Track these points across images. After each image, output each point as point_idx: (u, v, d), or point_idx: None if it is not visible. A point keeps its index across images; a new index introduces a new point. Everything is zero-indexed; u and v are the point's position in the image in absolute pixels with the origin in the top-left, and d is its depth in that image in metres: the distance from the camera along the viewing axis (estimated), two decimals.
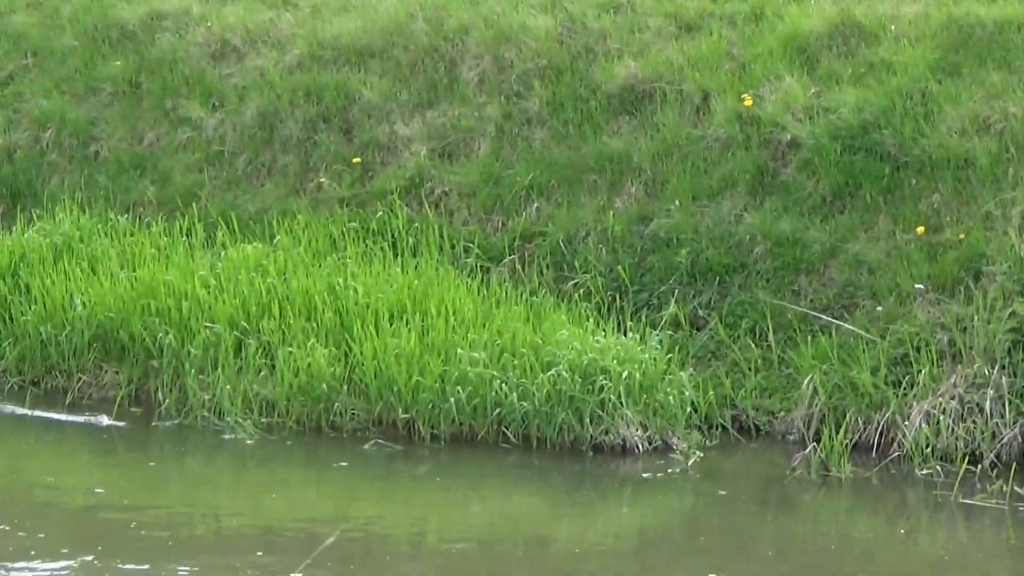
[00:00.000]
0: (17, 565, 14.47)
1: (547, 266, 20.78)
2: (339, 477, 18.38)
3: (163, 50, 24.52)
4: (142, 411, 19.76)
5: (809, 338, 19.26)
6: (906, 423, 18.16)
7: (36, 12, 25.69)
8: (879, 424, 18.38)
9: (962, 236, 19.51)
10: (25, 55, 25.30)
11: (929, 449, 17.83)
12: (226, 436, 18.97)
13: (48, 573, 14.44)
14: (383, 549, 15.87)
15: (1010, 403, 17.93)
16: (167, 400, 19.78)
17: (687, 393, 18.79)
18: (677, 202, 20.93)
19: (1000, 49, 20.70)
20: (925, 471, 17.70)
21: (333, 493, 17.99)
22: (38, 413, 19.56)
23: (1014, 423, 17.88)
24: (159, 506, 17.21)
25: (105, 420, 18.97)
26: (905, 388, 18.40)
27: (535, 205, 21.57)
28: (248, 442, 18.85)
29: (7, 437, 19.65)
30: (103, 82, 24.56)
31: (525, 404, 18.50)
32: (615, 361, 18.71)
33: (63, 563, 14.66)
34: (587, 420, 18.47)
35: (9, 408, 19.90)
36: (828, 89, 21.03)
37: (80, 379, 20.41)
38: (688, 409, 18.73)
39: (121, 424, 19.23)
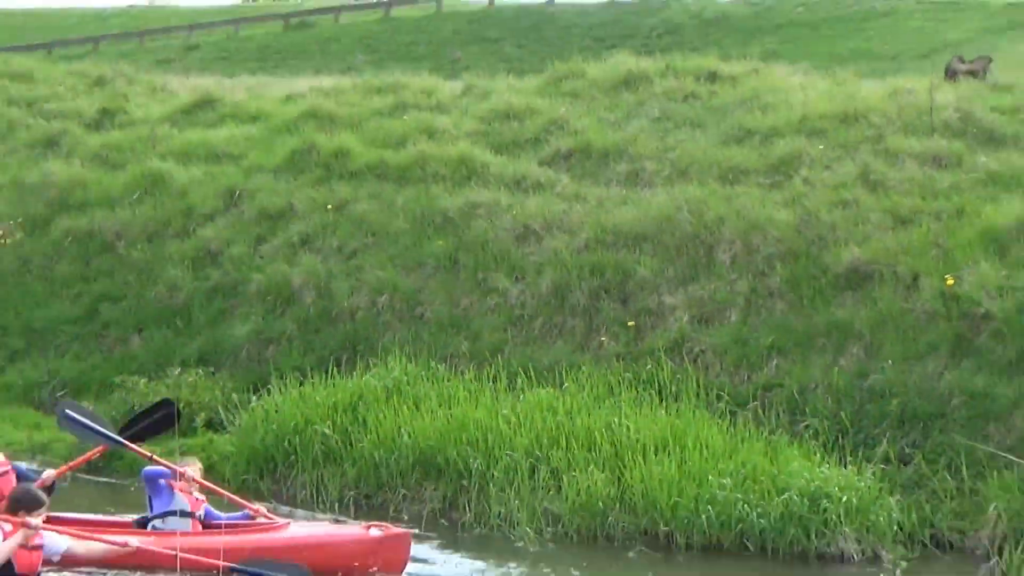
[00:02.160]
0: None
1: (783, 411, 21.11)
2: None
3: (477, 233, 25.33)
4: (448, 524, 20.25)
5: (995, 473, 19.42)
6: None
7: (376, 201, 26.60)
8: None
9: None
10: (366, 235, 26.20)
11: None
12: (518, 544, 19.43)
13: None
14: None
15: None
16: (470, 514, 20.32)
17: (894, 515, 19.15)
18: (890, 362, 21.31)
19: None
20: None
21: None
22: None
23: None
24: None
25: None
26: None
27: (774, 362, 22.03)
28: (532, 549, 19.27)
29: None
30: (427, 258, 25.38)
31: (763, 521, 18.96)
32: (837, 488, 19.12)
33: None
34: (813, 535, 18.88)
35: None
36: (1016, 271, 21.25)
37: (403, 495, 20.95)
38: (895, 528, 19.11)
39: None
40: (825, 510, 19.12)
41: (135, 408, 23.32)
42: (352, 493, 21.34)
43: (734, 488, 19.46)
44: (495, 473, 20.45)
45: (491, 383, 22.26)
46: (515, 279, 24.78)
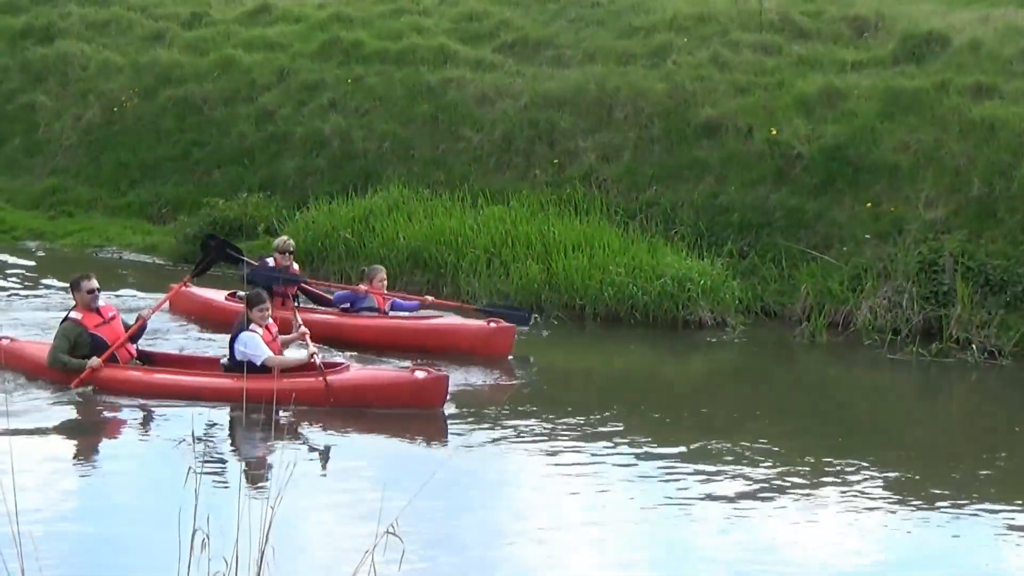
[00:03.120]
0: None
1: (660, 221, 20.74)
2: (539, 337, 18.24)
3: (450, 98, 24.54)
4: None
5: (805, 264, 19.37)
6: (858, 312, 18.24)
7: (381, 77, 25.70)
8: (843, 313, 18.41)
9: (892, 208, 19.55)
10: (374, 100, 25.42)
11: (871, 327, 17.93)
12: None
13: None
14: (564, 378, 16.05)
15: (916, 302, 17.93)
16: (446, 292, 19.49)
17: (736, 293, 18.88)
18: (733, 188, 20.99)
19: (916, 104, 20.65)
20: (868, 340, 17.75)
21: (535, 345, 17.79)
22: None
23: (918, 313, 17.88)
24: None
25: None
26: (858, 293, 18.42)
27: (654, 188, 21.57)
28: None
29: None
30: (416, 116, 24.60)
31: (646, 298, 18.59)
32: (697, 274, 18.80)
33: None
34: (681, 308, 18.53)
35: None
36: (819, 125, 21.01)
37: (401, 279, 20.12)
38: (736, 302, 18.82)
39: None
40: (689, 290, 18.73)
41: (217, 220, 23.03)
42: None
43: (626, 275, 18.99)
44: (463, 264, 19.95)
45: (460, 202, 21.65)
46: (476, 130, 23.99)
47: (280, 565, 6.64)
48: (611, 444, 12.59)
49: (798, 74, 22.56)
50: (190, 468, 6.35)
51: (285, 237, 18.18)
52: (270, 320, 13.76)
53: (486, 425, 13.16)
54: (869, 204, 19.90)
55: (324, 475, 11.48)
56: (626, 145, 22.48)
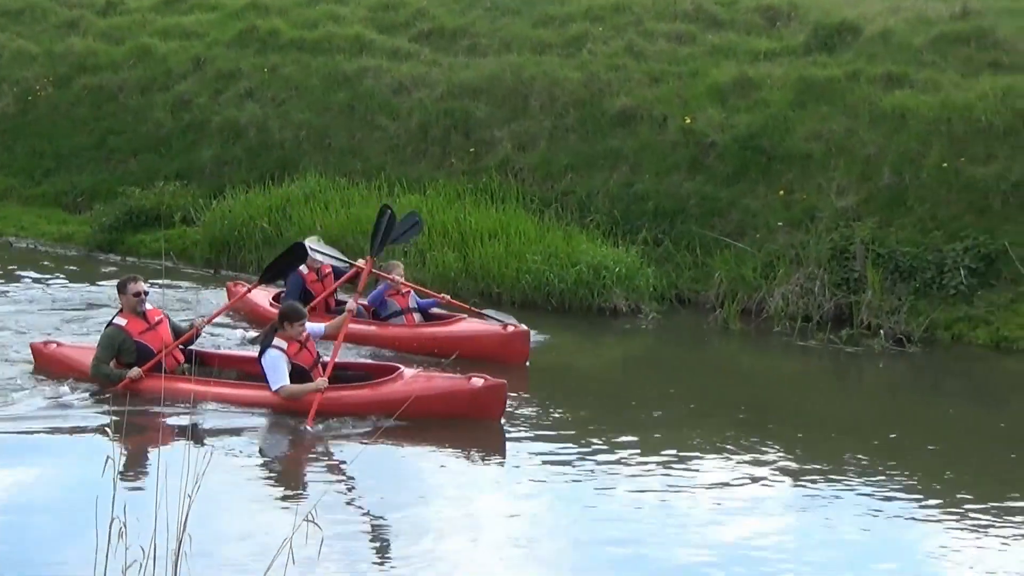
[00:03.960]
0: None
1: (575, 210, 20.79)
2: None
3: (366, 88, 24.46)
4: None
5: (719, 251, 19.44)
6: (770, 299, 18.35)
7: (298, 66, 25.55)
8: (756, 299, 18.55)
9: (804, 196, 19.69)
10: (291, 89, 25.30)
11: (783, 314, 18.06)
12: None
13: None
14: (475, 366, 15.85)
15: (828, 289, 18.11)
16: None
17: (651, 280, 18.93)
18: (648, 176, 21.03)
19: (828, 93, 20.83)
20: (779, 327, 17.90)
21: None
22: None
23: (829, 299, 18.06)
24: None
25: None
26: (771, 279, 18.56)
27: (569, 176, 21.59)
28: None
29: None
30: (333, 105, 24.49)
31: (562, 285, 18.65)
32: (612, 262, 18.83)
33: None
34: (596, 295, 18.58)
35: None
36: (733, 114, 21.11)
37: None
38: (651, 289, 18.87)
39: None
40: (604, 277, 18.77)
41: (133, 209, 22.93)
42: None
43: (542, 263, 19.03)
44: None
45: (377, 191, 21.62)
46: (393, 119, 23.94)
47: (198, 554, 6.69)
48: (530, 434, 12.62)
49: (712, 63, 22.64)
50: (108, 457, 6.37)
51: (316, 238, 17.08)
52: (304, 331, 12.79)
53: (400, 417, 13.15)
54: (782, 192, 20.01)
55: (244, 466, 11.45)
56: (542, 134, 22.49)
